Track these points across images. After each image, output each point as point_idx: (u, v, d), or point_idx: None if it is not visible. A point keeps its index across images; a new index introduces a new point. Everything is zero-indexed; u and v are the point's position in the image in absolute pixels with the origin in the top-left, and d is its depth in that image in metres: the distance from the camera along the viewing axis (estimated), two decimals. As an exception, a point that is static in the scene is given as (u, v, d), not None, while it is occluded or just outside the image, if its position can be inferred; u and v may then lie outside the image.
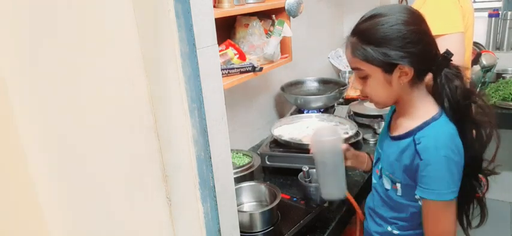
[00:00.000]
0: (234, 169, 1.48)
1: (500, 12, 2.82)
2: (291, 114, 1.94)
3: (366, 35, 0.92)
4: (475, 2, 3.01)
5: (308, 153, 1.20)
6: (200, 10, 0.64)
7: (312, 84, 2.21)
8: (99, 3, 0.54)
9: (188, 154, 0.67)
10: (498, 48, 2.84)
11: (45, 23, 0.48)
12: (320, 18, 2.51)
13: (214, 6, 1.36)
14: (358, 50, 0.93)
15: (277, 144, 1.62)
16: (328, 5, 2.59)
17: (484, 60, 2.40)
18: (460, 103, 0.93)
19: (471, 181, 1.01)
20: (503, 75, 2.61)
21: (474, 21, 1.48)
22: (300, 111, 2.00)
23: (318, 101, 1.97)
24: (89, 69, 0.53)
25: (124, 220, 0.62)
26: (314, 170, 1.31)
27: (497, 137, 0.96)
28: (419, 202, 0.98)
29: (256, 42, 1.58)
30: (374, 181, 1.13)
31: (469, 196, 1.04)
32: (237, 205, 1.10)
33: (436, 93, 0.97)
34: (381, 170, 1.08)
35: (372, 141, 1.81)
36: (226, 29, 1.64)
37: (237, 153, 1.66)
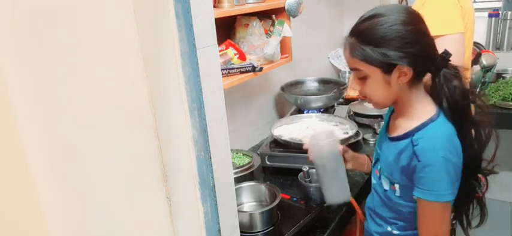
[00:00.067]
0: (234, 169, 1.48)
1: (500, 12, 2.82)
2: (291, 114, 1.94)
3: (364, 35, 0.92)
4: (475, 2, 3.00)
5: (307, 153, 1.20)
6: (200, 10, 0.64)
7: (312, 84, 2.21)
8: (99, 3, 0.54)
9: (188, 154, 0.67)
10: (498, 48, 2.84)
11: (45, 23, 0.48)
12: (320, 18, 2.51)
13: (214, 6, 1.36)
14: (357, 50, 0.93)
15: (277, 144, 1.62)
16: (328, 5, 2.59)
17: (484, 60, 2.40)
18: (458, 103, 0.93)
19: (470, 181, 1.01)
20: (503, 75, 2.61)
21: (474, 21, 1.48)
22: (300, 111, 2.00)
23: (318, 101, 1.97)
24: (89, 69, 0.53)
25: (124, 220, 0.62)
26: (314, 170, 1.31)
27: (496, 137, 0.97)
28: None
29: (256, 42, 1.58)
30: (373, 181, 1.13)
31: (469, 196, 1.04)
32: (237, 205, 1.10)
33: (434, 93, 0.97)
34: (380, 170, 1.07)
35: (371, 141, 1.81)
36: (226, 29, 1.64)
37: (237, 153, 1.66)
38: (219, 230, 0.72)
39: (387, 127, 1.09)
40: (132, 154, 0.61)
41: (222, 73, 1.30)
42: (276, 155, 1.58)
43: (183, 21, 0.61)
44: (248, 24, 1.59)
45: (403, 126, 0.99)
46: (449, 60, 0.94)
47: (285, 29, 1.58)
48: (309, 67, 2.42)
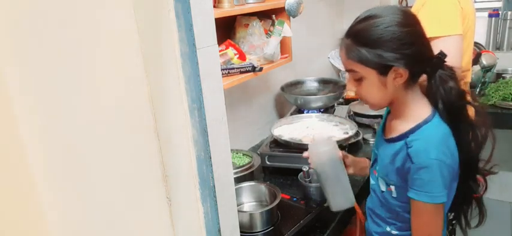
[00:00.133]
0: (234, 169, 1.48)
1: (500, 12, 2.82)
2: (291, 114, 1.94)
3: (360, 37, 0.92)
4: (475, 2, 3.00)
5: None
6: (200, 10, 0.64)
7: (312, 84, 2.21)
8: (99, 3, 0.54)
9: (188, 154, 0.67)
10: (498, 48, 2.84)
11: (45, 23, 0.48)
12: (320, 18, 2.51)
13: (214, 6, 1.36)
14: (353, 51, 0.93)
15: (277, 144, 1.62)
16: (328, 5, 2.59)
17: (484, 60, 2.40)
18: (454, 105, 0.93)
19: (468, 182, 1.01)
20: (503, 75, 2.61)
21: (476, 22, 1.47)
22: (300, 111, 2.00)
23: (318, 101, 1.97)
24: (89, 69, 0.53)
25: (124, 220, 0.62)
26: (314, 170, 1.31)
27: (492, 137, 0.96)
28: None
29: (256, 42, 1.58)
30: (372, 182, 1.13)
31: (467, 197, 1.04)
32: (237, 205, 1.10)
33: (430, 94, 0.96)
34: (377, 172, 1.08)
35: (371, 140, 1.81)
36: (226, 29, 1.64)
37: (237, 153, 1.66)
38: (219, 230, 0.72)
39: (383, 129, 1.09)
40: (132, 154, 0.61)
41: (222, 73, 1.30)
42: (276, 155, 1.58)
43: (183, 21, 0.61)
44: (248, 24, 1.59)
45: (399, 127, 0.99)
46: (445, 61, 0.94)
47: (285, 29, 1.58)
48: (309, 67, 2.42)
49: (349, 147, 1.68)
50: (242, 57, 1.50)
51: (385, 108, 1.11)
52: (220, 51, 1.44)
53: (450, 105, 0.93)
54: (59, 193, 0.52)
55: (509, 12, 2.75)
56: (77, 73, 0.52)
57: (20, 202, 0.49)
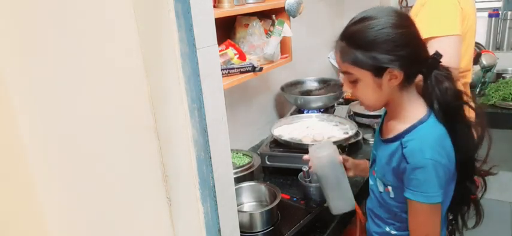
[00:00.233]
0: (234, 169, 1.48)
1: (500, 12, 2.82)
2: (291, 114, 1.94)
3: (354, 39, 0.92)
4: (475, 2, 3.00)
5: (308, 153, 1.20)
6: (200, 10, 0.64)
7: (312, 84, 2.21)
8: (99, 3, 0.54)
9: (188, 154, 0.67)
10: (498, 48, 2.84)
11: (45, 23, 0.48)
12: (320, 18, 2.51)
13: (214, 6, 1.36)
14: (347, 54, 0.93)
15: (277, 144, 1.62)
16: (328, 5, 2.59)
17: (484, 60, 2.40)
18: (450, 105, 0.93)
19: (465, 183, 1.00)
20: (503, 75, 2.61)
21: (476, 22, 1.47)
22: (300, 111, 2.00)
23: (318, 101, 1.97)
24: (89, 69, 0.53)
25: (124, 220, 0.62)
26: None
27: (488, 138, 0.96)
28: None
29: (256, 42, 1.58)
30: (371, 182, 1.13)
31: (464, 198, 1.04)
32: (237, 205, 1.10)
33: (426, 94, 0.96)
34: (376, 172, 1.08)
35: (371, 140, 1.81)
36: (226, 29, 1.64)
37: (237, 153, 1.66)
38: (219, 230, 0.72)
39: (381, 129, 1.09)
40: (132, 154, 0.61)
41: (222, 73, 1.30)
42: (276, 155, 1.58)
43: (183, 21, 0.61)
44: (248, 24, 1.59)
45: (395, 128, 0.99)
46: (440, 62, 0.94)
47: (285, 29, 1.58)
48: (309, 67, 2.42)
49: (349, 147, 1.68)
50: (242, 57, 1.50)
51: (383, 109, 1.11)
52: (220, 51, 1.44)
53: (446, 105, 0.93)
54: (59, 193, 0.52)
55: (509, 12, 2.75)
56: (77, 73, 0.52)
57: (20, 202, 0.49)
